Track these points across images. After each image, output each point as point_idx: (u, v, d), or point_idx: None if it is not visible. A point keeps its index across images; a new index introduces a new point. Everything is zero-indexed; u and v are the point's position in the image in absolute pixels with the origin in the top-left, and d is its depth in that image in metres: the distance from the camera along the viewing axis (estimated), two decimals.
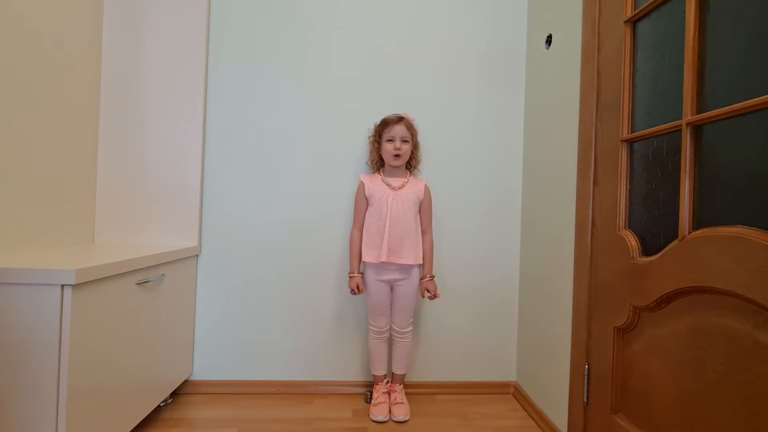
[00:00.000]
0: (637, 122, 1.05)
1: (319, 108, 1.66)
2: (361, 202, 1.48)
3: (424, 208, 1.49)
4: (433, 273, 1.50)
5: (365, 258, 1.43)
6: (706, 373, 0.81)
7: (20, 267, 0.91)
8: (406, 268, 1.45)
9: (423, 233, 1.49)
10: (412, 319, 1.52)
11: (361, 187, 1.48)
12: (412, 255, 1.42)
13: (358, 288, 1.45)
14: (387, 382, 1.54)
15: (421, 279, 1.49)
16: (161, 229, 1.56)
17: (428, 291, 1.46)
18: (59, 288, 0.91)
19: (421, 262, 1.46)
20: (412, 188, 1.46)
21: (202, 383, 1.62)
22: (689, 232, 0.86)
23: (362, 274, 1.48)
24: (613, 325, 1.08)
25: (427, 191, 1.49)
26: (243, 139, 1.63)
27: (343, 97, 1.66)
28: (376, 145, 1.49)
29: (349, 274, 1.47)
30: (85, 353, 0.97)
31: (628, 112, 1.07)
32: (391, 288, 1.48)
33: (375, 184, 1.47)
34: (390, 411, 1.46)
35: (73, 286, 0.92)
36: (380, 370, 1.53)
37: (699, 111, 0.86)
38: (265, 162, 1.64)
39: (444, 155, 1.68)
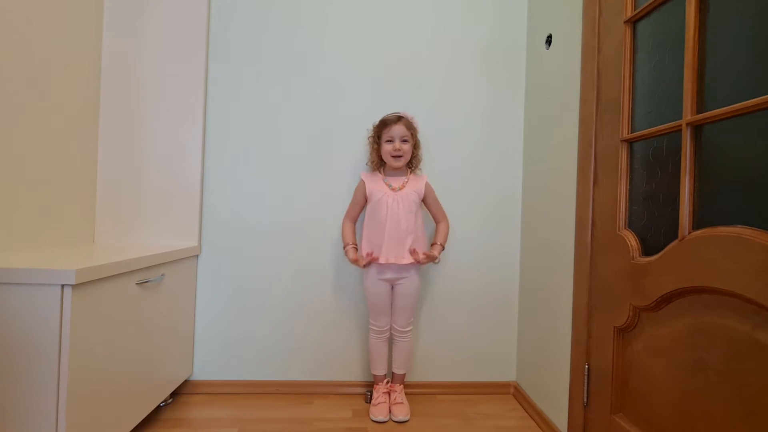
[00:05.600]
0: (637, 122, 1.05)
1: (318, 108, 1.65)
2: (359, 198, 1.49)
3: (431, 202, 1.51)
4: (438, 255, 1.46)
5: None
6: (706, 373, 0.81)
7: (20, 267, 0.91)
8: (406, 267, 1.45)
9: (438, 222, 1.52)
10: (412, 319, 1.52)
11: (362, 184, 1.48)
12: (410, 255, 1.42)
13: (365, 260, 1.41)
14: (387, 382, 1.54)
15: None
16: (161, 229, 1.56)
17: (422, 254, 1.40)
18: (59, 288, 0.91)
19: None
20: (412, 187, 1.46)
21: (202, 383, 1.62)
22: (689, 232, 0.86)
23: (356, 246, 1.47)
24: (613, 325, 1.08)
25: (427, 187, 1.50)
26: (243, 139, 1.63)
27: (343, 98, 1.66)
28: (375, 146, 1.48)
29: (353, 261, 1.44)
30: (85, 353, 0.97)
31: (628, 112, 1.07)
32: (392, 287, 1.48)
33: (375, 183, 1.47)
34: (390, 411, 1.46)
35: (73, 286, 0.92)
36: (380, 370, 1.53)
37: (699, 111, 0.86)
38: (265, 162, 1.64)
39: (444, 155, 1.68)
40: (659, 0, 0.97)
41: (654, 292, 0.93)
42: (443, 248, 1.50)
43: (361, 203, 1.49)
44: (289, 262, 1.65)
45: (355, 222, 1.52)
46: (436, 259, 1.46)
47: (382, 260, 1.40)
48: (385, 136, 1.44)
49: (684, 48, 0.88)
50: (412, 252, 1.41)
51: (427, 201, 1.50)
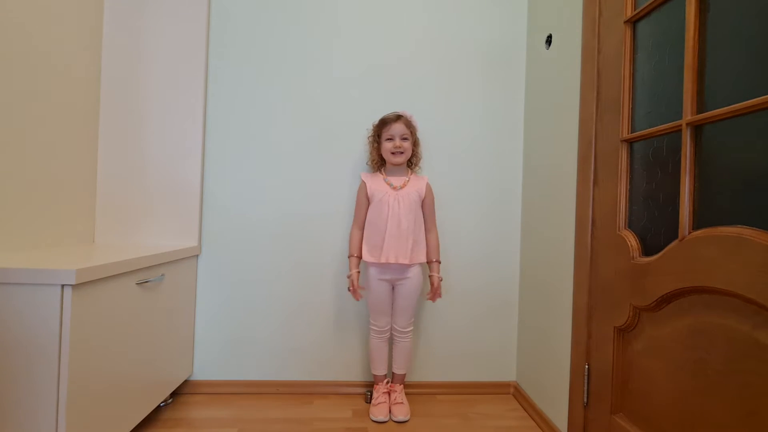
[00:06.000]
0: (637, 122, 1.05)
1: (319, 108, 1.65)
2: (363, 201, 1.48)
3: (427, 207, 1.49)
4: (440, 274, 1.50)
5: (366, 258, 1.43)
6: (706, 373, 0.81)
7: (20, 267, 0.91)
8: (407, 267, 1.45)
9: (427, 231, 1.50)
10: (413, 319, 1.52)
11: (363, 186, 1.48)
12: (413, 255, 1.42)
13: (354, 289, 1.44)
14: (387, 382, 1.54)
15: (430, 275, 1.50)
16: (161, 229, 1.56)
17: (431, 290, 1.48)
18: (59, 288, 0.91)
19: (424, 261, 1.46)
20: (413, 187, 1.46)
21: (202, 383, 1.62)
22: (689, 232, 0.86)
23: (359, 272, 1.48)
24: (613, 325, 1.08)
25: (428, 189, 1.50)
26: (243, 139, 1.63)
27: (343, 97, 1.66)
28: (376, 145, 1.49)
29: (348, 275, 1.47)
30: (85, 353, 0.97)
31: (628, 112, 1.07)
32: (393, 287, 1.48)
33: (376, 184, 1.47)
34: (390, 411, 1.46)
35: (73, 286, 0.92)
36: (380, 370, 1.53)
37: (699, 111, 0.86)
38: (265, 161, 1.64)
39: (444, 155, 1.69)
40: (659, 0, 0.97)
41: (654, 292, 0.93)
42: (440, 263, 1.50)
43: (365, 206, 1.48)
44: (290, 262, 1.65)
45: (363, 228, 1.49)
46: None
47: (382, 260, 1.40)
48: (385, 135, 1.45)
49: (684, 48, 0.88)
50: (431, 298, 1.49)
51: (424, 203, 1.48)
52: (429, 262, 1.50)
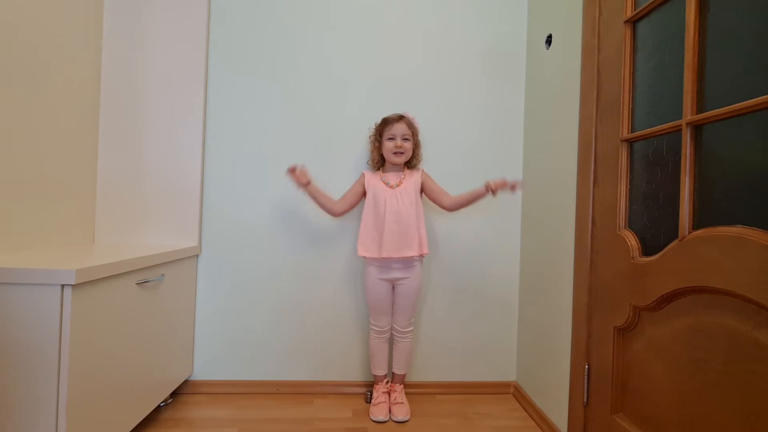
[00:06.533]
0: (637, 122, 1.05)
1: (318, 108, 1.65)
2: (356, 187, 1.51)
3: (432, 188, 1.49)
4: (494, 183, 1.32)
5: (364, 253, 1.43)
6: (706, 373, 0.81)
7: (20, 267, 0.91)
8: (407, 265, 1.45)
9: (447, 196, 1.47)
10: (413, 319, 1.52)
11: (362, 177, 1.51)
12: (412, 248, 1.42)
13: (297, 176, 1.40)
14: (387, 382, 1.54)
15: (486, 185, 1.33)
16: (161, 229, 1.56)
17: (500, 188, 1.30)
18: (59, 288, 0.91)
19: (427, 252, 1.45)
20: (409, 181, 1.47)
21: (202, 383, 1.62)
22: (689, 232, 0.86)
23: (308, 182, 1.43)
24: (613, 325, 1.08)
25: (424, 175, 1.50)
26: (243, 139, 1.63)
27: (343, 97, 1.66)
28: (377, 144, 1.49)
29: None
30: (85, 353, 0.97)
31: (628, 112, 1.07)
32: (393, 287, 1.48)
33: (375, 180, 1.48)
34: (390, 411, 1.46)
35: (73, 286, 0.92)
36: (380, 370, 1.53)
37: (699, 111, 0.86)
38: (265, 162, 1.64)
39: (444, 155, 1.68)
40: (659, 0, 0.97)
41: (654, 291, 0.93)
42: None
43: (357, 192, 1.50)
44: (290, 262, 1.65)
45: (341, 206, 1.48)
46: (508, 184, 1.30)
47: (383, 254, 1.40)
48: (386, 134, 1.45)
49: (684, 48, 0.88)
50: (512, 187, 1.30)
51: (427, 187, 1.49)
52: (480, 193, 1.37)
